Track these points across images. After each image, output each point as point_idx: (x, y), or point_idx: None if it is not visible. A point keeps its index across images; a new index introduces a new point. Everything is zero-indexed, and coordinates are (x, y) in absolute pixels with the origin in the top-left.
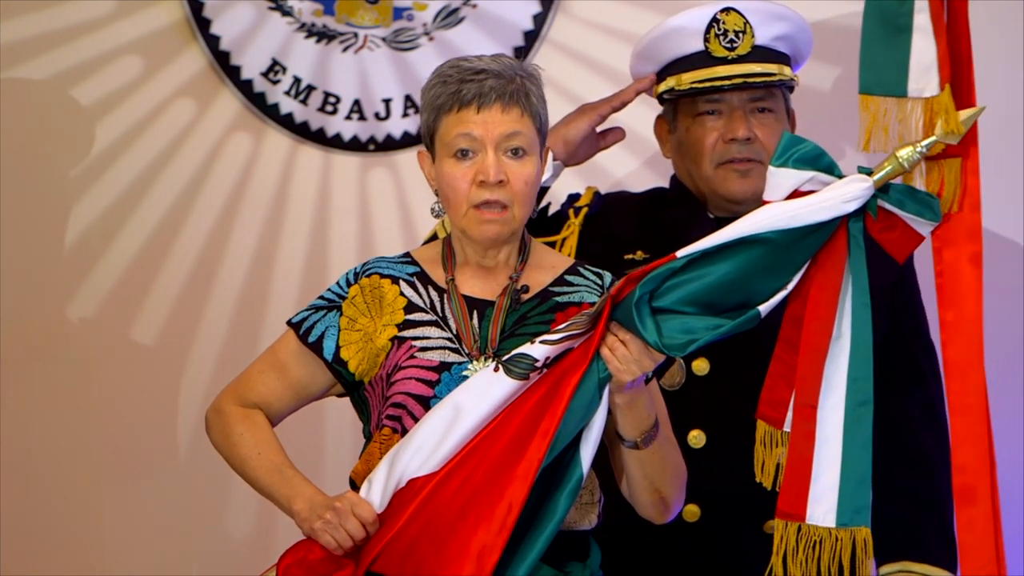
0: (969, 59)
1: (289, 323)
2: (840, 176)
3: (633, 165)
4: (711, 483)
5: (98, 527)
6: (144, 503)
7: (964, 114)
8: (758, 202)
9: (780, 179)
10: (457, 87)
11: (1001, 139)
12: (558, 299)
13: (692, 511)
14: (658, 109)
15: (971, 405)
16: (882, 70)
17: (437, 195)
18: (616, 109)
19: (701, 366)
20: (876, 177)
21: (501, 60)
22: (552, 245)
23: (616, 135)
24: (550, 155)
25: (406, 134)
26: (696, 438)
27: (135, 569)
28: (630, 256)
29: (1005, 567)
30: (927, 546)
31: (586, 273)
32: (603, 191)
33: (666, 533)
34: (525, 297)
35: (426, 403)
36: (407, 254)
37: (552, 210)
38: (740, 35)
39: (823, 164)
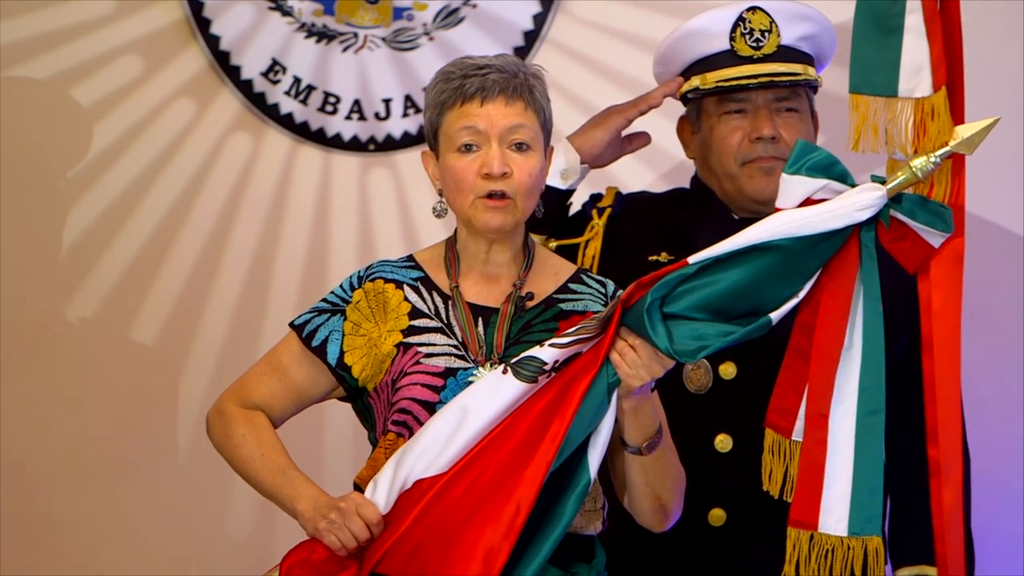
0: (961, 61)
1: (291, 325)
2: (853, 185)
3: (651, 177)
4: (737, 488)
5: (98, 527)
6: (144, 503)
7: (977, 126)
8: None
9: (793, 187)
10: (460, 82)
11: (1001, 139)
12: (562, 307)
13: (718, 515)
14: (675, 120)
15: (949, 399)
16: (872, 70)
17: (440, 195)
18: (643, 112)
19: (728, 370)
20: (889, 186)
21: (504, 58)
22: (576, 247)
23: (641, 139)
24: (575, 157)
25: (406, 134)
26: (723, 442)
27: (135, 569)
28: (654, 257)
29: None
30: None
31: (589, 281)
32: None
33: (692, 538)
34: (530, 304)
35: (431, 408)
36: (410, 257)
37: (572, 211)
38: (766, 34)
39: (836, 172)
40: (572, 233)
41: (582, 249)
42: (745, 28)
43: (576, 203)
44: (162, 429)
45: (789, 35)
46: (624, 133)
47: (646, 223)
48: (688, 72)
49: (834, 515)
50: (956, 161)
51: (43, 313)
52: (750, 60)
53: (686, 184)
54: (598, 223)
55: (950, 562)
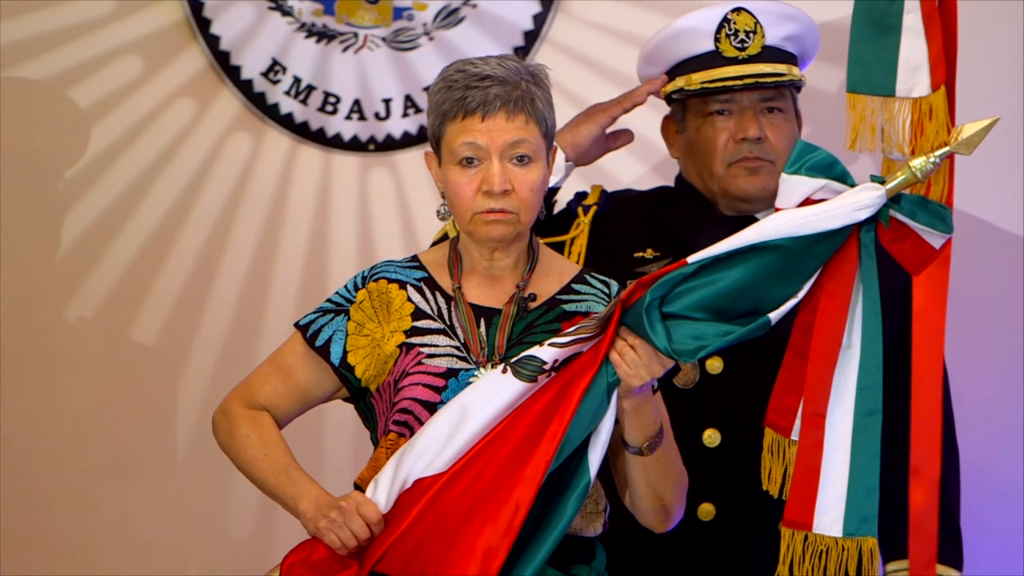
0: (955, 62)
1: (296, 325)
2: (852, 185)
3: (641, 170)
4: (726, 482)
5: (98, 527)
6: (144, 503)
7: (976, 126)
8: (768, 199)
9: (793, 186)
10: (462, 94)
11: (1001, 139)
12: (565, 308)
13: (707, 510)
14: (663, 113)
15: (930, 400)
16: (869, 69)
17: (443, 197)
18: (627, 110)
19: (715, 365)
20: (888, 186)
21: (506, 64)
22: (561, 245)
23: (625, 136)
24: (560, 155)
25: (406, 134)
26: (710, 437)
27: (135, 569)
28: (640, 254)
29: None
30: None
31: (593, 282)
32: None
33: (681, 533)
34: (532, 305)
35: (432, 408)
36: (415, 257)
37: (557, 208)
38: (751, 35)
39: (836, 172)
40: (558, 231)
41: (568, 246)
42: (730, 29)
43: (561, 201)
44: (162, 429)
45: (773, 35)
46: (608, 130)
47: (631, 220)
48: (673, 72)
49: (829, 516)
50: (949, 162)
51: (43, 313)
52: (735, 61)
53: (674, 179)
54: (584, 220)
55: (923, 561)
